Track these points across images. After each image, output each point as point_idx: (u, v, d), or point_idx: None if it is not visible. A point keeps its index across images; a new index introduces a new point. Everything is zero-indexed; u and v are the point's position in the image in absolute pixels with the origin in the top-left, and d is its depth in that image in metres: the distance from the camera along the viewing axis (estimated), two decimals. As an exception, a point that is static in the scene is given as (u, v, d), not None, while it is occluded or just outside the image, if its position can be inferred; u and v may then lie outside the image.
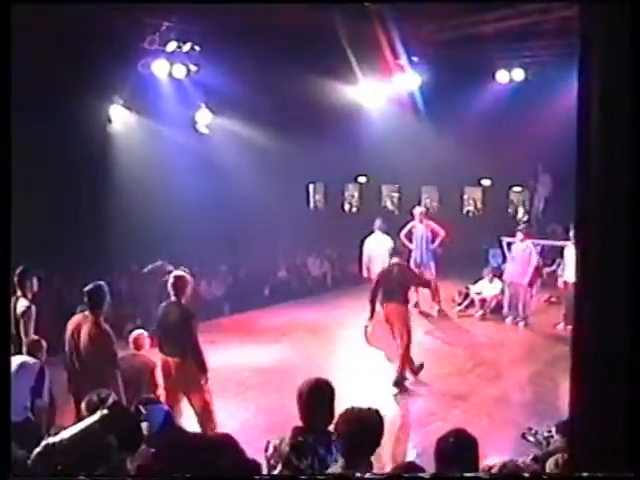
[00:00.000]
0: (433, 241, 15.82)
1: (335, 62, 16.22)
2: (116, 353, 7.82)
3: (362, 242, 15.86)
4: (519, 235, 15.13)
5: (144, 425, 4.63)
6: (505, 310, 15.38)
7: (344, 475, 4.02)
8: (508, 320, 15.17)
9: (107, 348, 7.68)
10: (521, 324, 14.94)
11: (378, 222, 15.90)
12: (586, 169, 2.32)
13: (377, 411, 4.29)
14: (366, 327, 13.25)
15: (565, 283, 14.39)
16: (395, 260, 12.07)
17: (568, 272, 14.20)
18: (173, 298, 8.58)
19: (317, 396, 4.84)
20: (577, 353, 2.38)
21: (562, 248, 14.90)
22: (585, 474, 2.29)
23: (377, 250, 15.32)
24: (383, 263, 14.80)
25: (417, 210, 16.17)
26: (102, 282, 7.98)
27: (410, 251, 15.74)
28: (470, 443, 4.58)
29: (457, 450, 4.47)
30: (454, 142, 18.96)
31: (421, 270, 15.67)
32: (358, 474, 3.93)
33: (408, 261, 15.44)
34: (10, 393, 3.59)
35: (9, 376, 3.31)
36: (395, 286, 11.56)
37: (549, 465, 5.64)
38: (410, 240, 15.87)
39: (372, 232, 15.74)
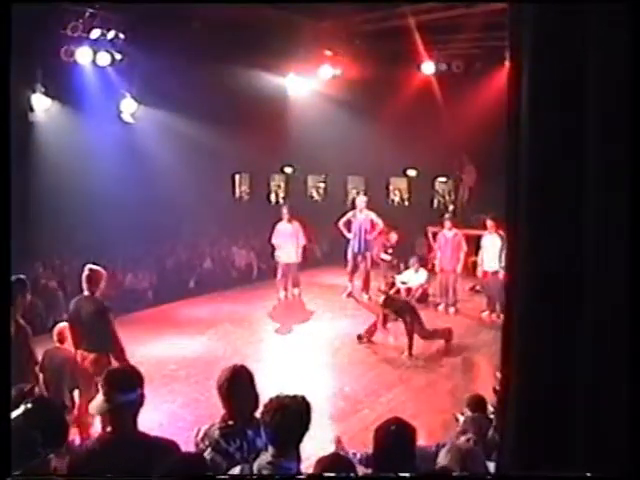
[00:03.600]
0: (371, 232, 15.97)
1: (262, 53, 16.16)
2: (32, 350, 7.52)
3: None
4: (447, 224, 15.33)
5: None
6: (437, 297, 15.62)
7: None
8: (440, 307, 15.41)
9: (23, 346, 7.29)
10: (452, 310, 15.22)
11: (284, 210, 16.29)
12: (515, 164, 2.36)
13: (303, 397, 4.27)
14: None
15: (484, 272, 14.66)
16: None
17: (487, 261, 14.46)
18: (86, 292, 8.39)
19: (236, 383, 4.80)
20: (507, 341, 2.43)
21: (480, 238, 15.12)
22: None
23: (282, 238, 15.94)
24: (286, 250, 15.65)
25: (360, 199, 16.44)
26: (21, 276, 7.59)
27: (348, 240, 15.95)
28: (411, 431, 4.61)
29: (398, 438, 4.51)
30: (380, 133, 19.09)
31: (358, 259, 15.92)
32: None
33: (346, 250, 15.82)
34: (10, 392, 3.47)
35: (9, 375, 3.20)
36: None
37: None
38: (348, 229, 16.02)
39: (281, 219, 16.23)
